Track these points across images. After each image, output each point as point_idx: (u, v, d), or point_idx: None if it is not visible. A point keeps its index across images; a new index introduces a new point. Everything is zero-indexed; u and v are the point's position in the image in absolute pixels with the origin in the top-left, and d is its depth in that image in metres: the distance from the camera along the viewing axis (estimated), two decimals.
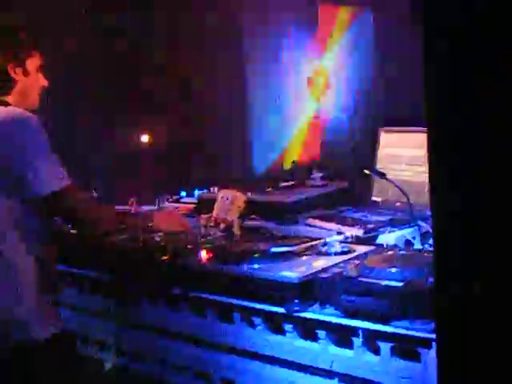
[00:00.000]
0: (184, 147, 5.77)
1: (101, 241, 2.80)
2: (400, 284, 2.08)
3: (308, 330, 2.28)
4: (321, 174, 3.42)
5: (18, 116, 2.29)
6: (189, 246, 2.71)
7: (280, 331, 2.35)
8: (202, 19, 5.16)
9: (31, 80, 2.43)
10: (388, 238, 2.75)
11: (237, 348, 2.48)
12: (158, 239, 2.81)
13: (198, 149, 5.95)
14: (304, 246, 2.58)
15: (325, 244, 2.56)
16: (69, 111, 4.74)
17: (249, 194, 3.16)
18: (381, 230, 2.82)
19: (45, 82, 2.48)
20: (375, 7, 4.62)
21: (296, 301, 2.25)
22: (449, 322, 1.50)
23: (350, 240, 2.69)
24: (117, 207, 3.35)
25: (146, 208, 3.49)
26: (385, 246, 2.63)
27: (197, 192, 3.57)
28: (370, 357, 2.14)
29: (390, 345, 2.08)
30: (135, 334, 2.82)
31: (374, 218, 2.99)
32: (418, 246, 2.70)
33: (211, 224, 3.01)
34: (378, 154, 3.38)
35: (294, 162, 4.25)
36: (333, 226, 2.93)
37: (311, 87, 6.05)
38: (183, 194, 3.74)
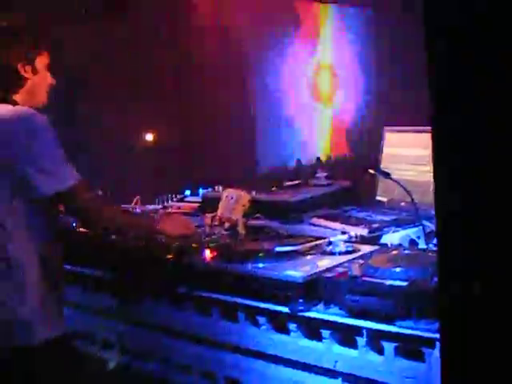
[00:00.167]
0: (189, 146, 5.79)
1: (107, 240, 2.81)
2: (404, 284, 2.08)
3: (312, 330, 2.29)
4: (325, 174, 3.42)
5: (24, 115, 2.29)
6: (193, 245, 2.71)
7: (284, 330, 2.35)
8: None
9: (40, 78, 2.44)
10: (392, 237, 2.75)
11: (241, 347, 2.48)
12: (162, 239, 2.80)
13: (204, 148, 5.96)
14: (308, 245, 2.57)
15: (329, 243, 2.56)
16: (70, 109, 4.76)
17: (253, 193, 3.16)
18: (385, 229, 2.82)
19: (52, 81, 2.49)
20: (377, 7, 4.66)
21: (300, 300, 2.25)
22: (453, 321, 1.49)
23: (354, 239, 2.69)
24: (122, 206, 3.37)
25: (150, 207, 3.50)
26: (389, 245, 2.63)
27: (201, 191, 3.57)
28: (374, 356, 2.14)
29: (394, 344, 2.08)
30: (139, 333, 2.82)
31: (379, 217, 2.99)
32: (422, 245, 2.70)
33: (216, 223, 3.01)
34: (382, 154, 3.38)
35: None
36: (337, 225, 2.93)
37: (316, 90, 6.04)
38: (188, 192, 3.74)
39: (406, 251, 2.47)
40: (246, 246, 2.69)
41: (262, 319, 2.39)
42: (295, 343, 2.32)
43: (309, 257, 2.49)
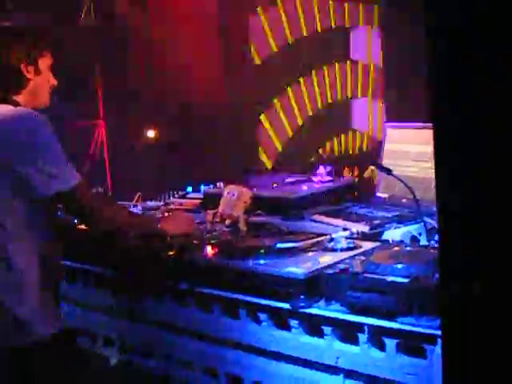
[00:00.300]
0: (191, 142, 5.80)
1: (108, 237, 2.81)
2: (406, 280, 2.08)
3: (314, 326, 2.28)
4: (327, 170, 3.41)
5: (25, 115, 2.29)
6: (195, 242, 2.71)
7: (286, 327, 2.35)
8: None
9: (42, 79, 2.43)
10: (394, 234, 2.75)
11: (242, 343, 2.48)
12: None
13: (206, 144, 5.97)
14: (310, 241, 2.57)
15: (331, 240, 2.56)
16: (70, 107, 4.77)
17: (254, 189, 3.15)
18: (387, 226, 2.82)
19: (54, 81, 2.49)
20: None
21: (302, 297, 2.25)
22: (454, 318, 1.50)
23: (355, 236, 2.69)
24: (122, 203, 3.37)
25: (151, 204, 3.49)
26: (391, 242, 2.62)
27: (203, 187, 3.57)
28: (375, 353, 2.14)
29: (395, 341, 2.08)
30: (140, 330, 2.82)
31: (380, 214, 2.99)
32: (424, 242, 2.70)
33: (217, 219, 3.01)
34: (384, 150, 3.38)
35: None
36: (339, 221, 2.93)
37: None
38: (189, 189, 3.74)
39: (408, 248, 2.47)
40: (248, 242, 2.69)
41: (263, 316, 2.39)
42: (296, 340, 2.32)
43: (310, 253, 2.49)
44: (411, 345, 2.06)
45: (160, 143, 5.74)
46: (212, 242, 2.71)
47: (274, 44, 7.78)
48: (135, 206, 3.40)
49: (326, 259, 2.38)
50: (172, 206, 3.45)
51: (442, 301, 1.51)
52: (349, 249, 2.48)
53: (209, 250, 2.63)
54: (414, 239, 2.75)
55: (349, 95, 8.89)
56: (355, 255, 2.40)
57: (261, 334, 2.42)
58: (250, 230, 2.90)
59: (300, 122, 8.29)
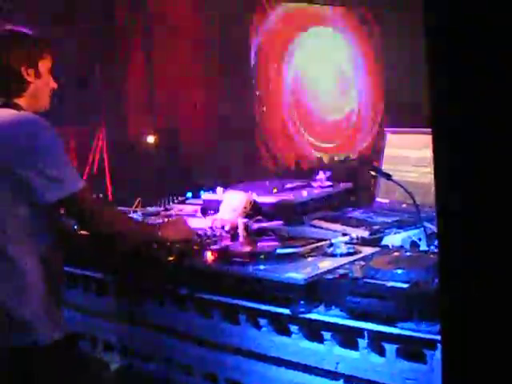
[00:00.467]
0: (191, 149, 5.80)
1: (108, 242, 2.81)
2: (406, 285, 2.08)
3: (313, 332, 2.28)
4: (326, 175, 3.41)
5: (26, 119, 2.29)
6: (195, 247, 2.71)
7: (285, 332, 2.35)
8: None
9: (43, 82, 2.44)
10: (394, 239, 2.75)
11: (242, 349, 2.47)
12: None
13: (205, 150, 5.98)
14: (309, 247, 2.57)
15: (330, 245, 2.56)
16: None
17: (254, 194, 3.16)
18: (386, 231, 2.81)
19: (54, 85, 2.49)
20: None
21: (301, 302, 2.25)
22: (454, 323, 1.49)
23: (355, 241, 2.68)
24: (122, 208, 3.37)
25: (151, 209, 3.49)
26: (390, 247, 2.62)
27: (203, 193, 3.57)
28: (375, 358, 2.14)
29: (395, 346, 2.08)
30: (140, 335, 2.82)
31: (380, 219, 2.99)
32: (423, 247, 2.70)
33: (217, 225, 3.01)
34: (383, 155, 3.38)
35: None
36: (338, 227, 2.93)
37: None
38: (189, 194, 3.74)
39: (408, 253, 2.47)
40: (247, 247, 2.69)
41: (263, 321, 2.39)
42: (296, 345, 2.32)
43: (310, 259, 2.48)
44: (411, 350, 2.05)
45: (160, 148, 5.74)
46: (212, 247, 2.71)
47: None
48: (135, 211, 3.40)
49: (326, 264, 2.37)
50: (172, 212, 3.45)
51: (442, 304, 1.50)
52: (348, 254, 2.48)
53: (209, 255, 2.63)
54: (414, 244, 2.75)
55: None
56: (355, 260, 2.40)
57: (261, 340, 2.41)
58: (249, 236, 2.90)
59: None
